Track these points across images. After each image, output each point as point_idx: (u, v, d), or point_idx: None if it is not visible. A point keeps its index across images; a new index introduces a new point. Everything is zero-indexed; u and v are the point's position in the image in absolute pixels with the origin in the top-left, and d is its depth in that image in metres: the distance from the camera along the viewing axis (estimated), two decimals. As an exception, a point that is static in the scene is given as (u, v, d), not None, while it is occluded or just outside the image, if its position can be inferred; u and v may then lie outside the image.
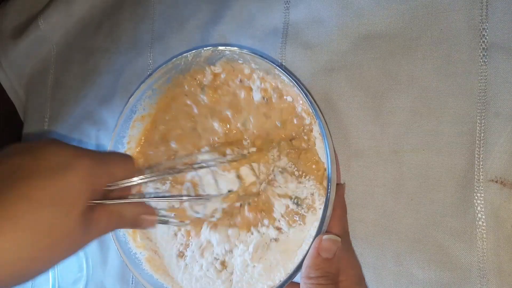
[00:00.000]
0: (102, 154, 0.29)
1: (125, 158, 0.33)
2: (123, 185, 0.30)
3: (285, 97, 0.36)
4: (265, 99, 0.36)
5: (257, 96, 0.36)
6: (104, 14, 0.51)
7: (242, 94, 0.37)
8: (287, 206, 0.34)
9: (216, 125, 0.38)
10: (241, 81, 0.38)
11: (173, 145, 0.40)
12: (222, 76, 0.38)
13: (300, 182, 0.34)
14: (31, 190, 0.23)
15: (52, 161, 0.24)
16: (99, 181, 0.28)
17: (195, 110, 0.40)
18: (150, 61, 0.47)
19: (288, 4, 0.39)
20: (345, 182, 0.35)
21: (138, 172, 0.34)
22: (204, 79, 0.39)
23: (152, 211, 0.35)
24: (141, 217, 0.33)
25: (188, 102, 0.40)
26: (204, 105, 0.39)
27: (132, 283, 0.46)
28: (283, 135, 0.36)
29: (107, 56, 0.50)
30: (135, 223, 0.34)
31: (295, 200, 0.34)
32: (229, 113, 0.38)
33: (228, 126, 0.38)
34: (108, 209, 0.29)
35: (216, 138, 0.38)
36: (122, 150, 0.42)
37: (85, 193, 0.26)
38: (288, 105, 0.35)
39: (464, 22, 0.31)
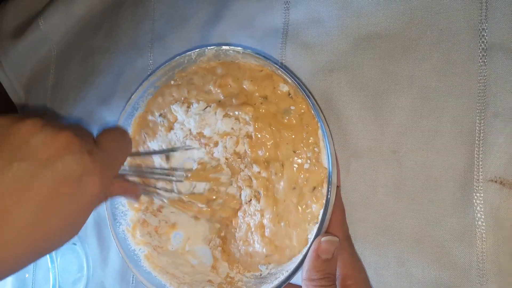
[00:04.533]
0: (108, 162, 0.26)
1: (125, 147, 0.31)
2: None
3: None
4: (289, 94, 0.36)
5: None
6: (104, 14, 0.52)
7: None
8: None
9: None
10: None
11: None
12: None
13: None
14: (43, 215, 0.22)
15: (65, 175, 0.23)
16: (108, 180, 0.27)
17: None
18: (150, 61, 0.47)
19: (288, 4, 0.39)
20: (340, 185, 0.35)
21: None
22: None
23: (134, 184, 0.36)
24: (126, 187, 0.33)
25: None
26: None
27: (132, 283, 0.46)
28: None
29: (107, 56, 0.50)
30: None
31: None
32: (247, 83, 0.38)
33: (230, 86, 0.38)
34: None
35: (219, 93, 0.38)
36: None
37: (98, 198, 0.25)
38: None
39: (463, 22, 0.31)
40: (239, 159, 0.37)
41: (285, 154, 0.35)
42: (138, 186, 0.35)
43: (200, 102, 0.38)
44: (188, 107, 0.39)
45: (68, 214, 0.23)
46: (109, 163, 0.27)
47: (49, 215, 0.23)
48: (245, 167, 0.37)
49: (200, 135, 0.39)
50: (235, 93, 0.37)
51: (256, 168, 0.36)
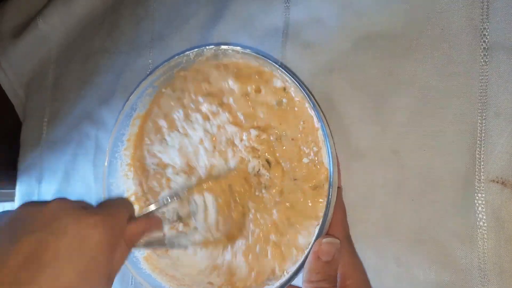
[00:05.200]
0: (109, 212, 0.28)
1: (126, 204, 0.33)
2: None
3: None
4: (285, 89, 0.35)
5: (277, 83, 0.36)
6: (104, 14, 0.51)
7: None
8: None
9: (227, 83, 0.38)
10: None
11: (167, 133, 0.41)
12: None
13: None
14: (60, 277, 0.23)
15: (72, 237, 0.24)
16: (114, 239, 0.28)
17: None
18: (150, 61, 0.47)
19: (288, 3, 0.39)
20: (341, 186, 0.35)
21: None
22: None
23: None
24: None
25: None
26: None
27: (131, 284, 0.46)
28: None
29: (107, 56, 0.50)
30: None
31: None
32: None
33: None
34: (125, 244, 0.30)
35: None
36: (121, 147, 0.42)
37: (107, 258, 0.26)
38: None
39: (464, 22, 0.31)
40: (230, 141, 0.37)
41: (279, 131, 0.35)
42: (156, 217, 0.35)
43: (174, 131, 0.39)
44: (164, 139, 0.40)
45: (81, 268, 0.24)
46: (111, 212, 0.28)
47: (64, 275, 0.23)
48: (241, 141, 0.36)
49: (189, 165, 0.39)
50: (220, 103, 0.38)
51: (254, 132, 0.35)
